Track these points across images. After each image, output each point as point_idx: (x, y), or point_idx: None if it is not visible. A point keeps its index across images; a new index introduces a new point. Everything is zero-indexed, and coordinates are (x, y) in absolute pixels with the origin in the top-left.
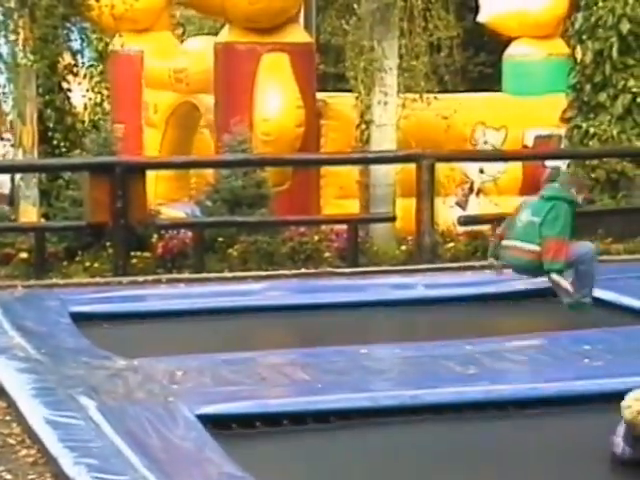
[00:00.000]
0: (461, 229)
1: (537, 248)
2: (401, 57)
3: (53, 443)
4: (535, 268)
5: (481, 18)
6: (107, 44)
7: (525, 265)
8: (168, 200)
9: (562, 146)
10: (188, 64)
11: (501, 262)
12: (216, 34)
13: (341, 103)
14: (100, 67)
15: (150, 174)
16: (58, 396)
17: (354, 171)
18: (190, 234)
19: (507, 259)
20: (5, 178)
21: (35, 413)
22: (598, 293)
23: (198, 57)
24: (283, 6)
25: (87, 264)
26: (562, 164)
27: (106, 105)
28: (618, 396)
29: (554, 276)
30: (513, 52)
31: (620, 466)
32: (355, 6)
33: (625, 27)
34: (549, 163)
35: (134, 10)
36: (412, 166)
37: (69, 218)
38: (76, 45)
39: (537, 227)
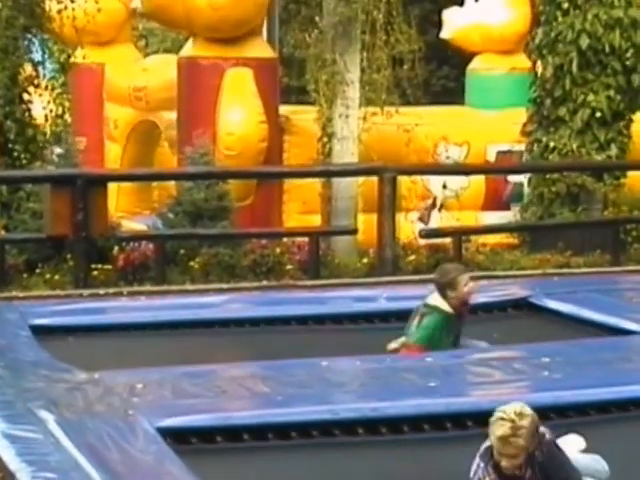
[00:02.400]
0: (423, 242)
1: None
2: (363, 70)
3: (11, 457)
4: None
5: (444, 34)
6: (69, 56)
7: None
8: (130, 213)
9: (523, 160)
10: (148, 82)
11: None
12: (179, 47)
13: (303, 119)
14: (62, 79)
15: (111, 187)
16: (17, 410)
17: (317, 186)
18: (151, 246)
19: None
20: None
21: None
22: (558, 306)
23: (158, 75)
24: (245, 14)
25: (47, 276)
26: (524, 179)
27: (67, 117)
28: (577, 409)
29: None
30: (476, 66)
31: None
32: (317, 19)
33: (584, 42)
34: (512, 178)
35: (96, 23)
36: (374, 180)
37: (29, 230)
38: (37, 56)
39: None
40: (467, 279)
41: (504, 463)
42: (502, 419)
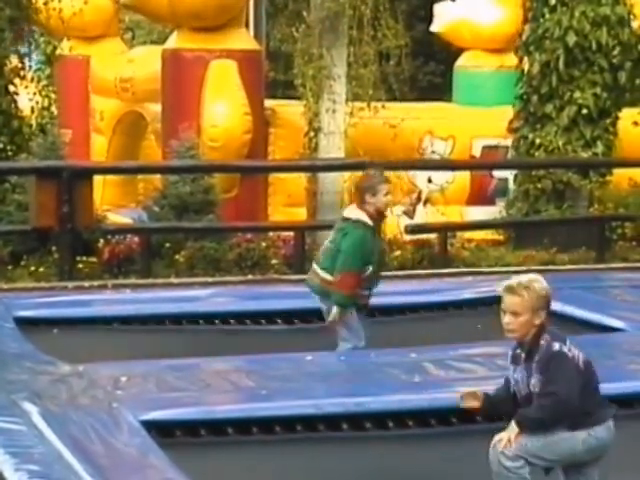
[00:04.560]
0: (408, 237)
1: (326, 276)
2: (350, 65)
3: None
4: (324, 293)
5: (434, 28)
6: (55, 48)
7: (315, 288)
8: (115, 206)
9: (509, 156)
10: (134, 73)
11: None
12: (166, 39)
13: (289, 111)
14: (48, 71)
15: (97, 180)
16: (0, 401)
17: (302, 179)
18: (137, 239)
19: (307, 280)
20: None
21: None
22: None
23: (144, 66)
24: (227, 1)
25: (32, 268)
26: (510, 175)
27: (53, 109)
28: None
29: (333, 311)
30: (464, 63)
31: None
32: (305, 14)
33: (571, 39)
34: (496, 173)
35: (83, 19)
36: (360, 174)
37: (14, 222)
38: (23, 48)
39: (330, 253)
40: (387, 190)
41: (504, 319)
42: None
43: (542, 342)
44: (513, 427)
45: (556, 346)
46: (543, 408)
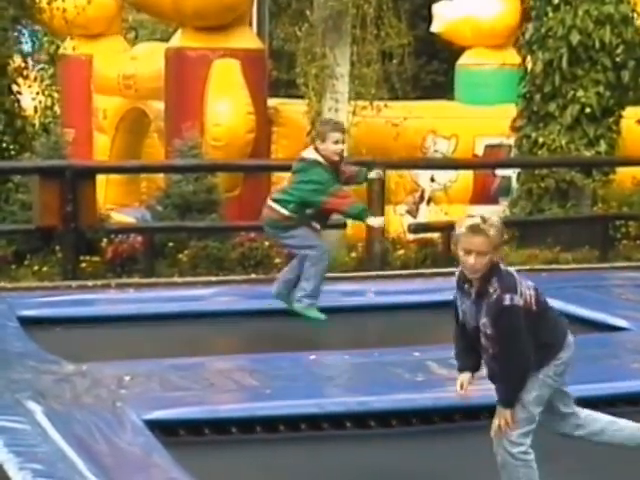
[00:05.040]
0: (411, 236)
1: (280, 209)
2: (353, 64)
3: None
4: (276, 226)
5: (434, 28)
6: (58, 47)
7: (269, 222)
8: (118, 205)
9: (512, 155)
10: (137, 70)
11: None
12: (169, 39)
13: (292, 110)
14: (51, 70)
15: (100, 179)
16: (5, 400)
17: None
18: (140, 239)
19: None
20: None
21: None
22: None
23: (147, 63)
24: (231, 0)
25: (36, 268)
26: (512, 173)
27: (57, 108)
28: None
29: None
30: (466, 61)
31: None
32: (308, 13)
33: (575, 38)
34: (499, 172)
35: (86, 17)
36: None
37: (18, 221)
38: (27, 47)
39: (287, 190)
40: (338, 138)
41: (469, 273)
42: (470, 217)
43: (491, 290)
44: (501, 411)
45: (507, 300)
46: (510, 378)
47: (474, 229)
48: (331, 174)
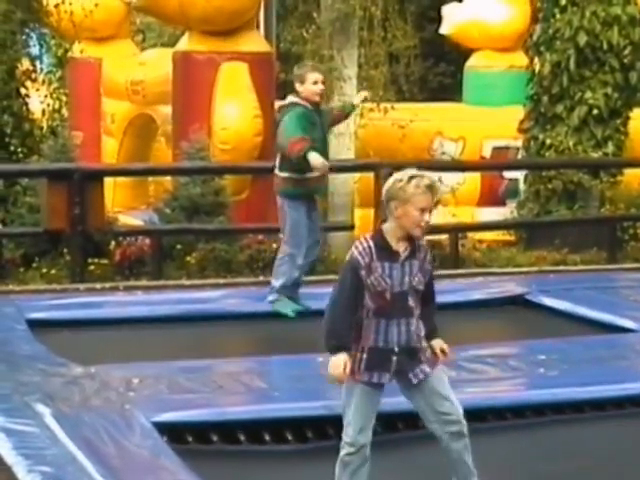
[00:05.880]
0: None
1: (278, 173)
2: (360, 66)
3: (7, 451)
4: (281, 195)
5: (443, 30)
6: (66, 50)
7: (276, 190)
8: (126, 208)
9: (519, 157)
10: (145, 76)
11: None
12: (176, 41)
13: None
14: (59, 73)
15: (108, 182)
16: (13, 403)
17: None
18: (148, 241)
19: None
20: None
21: None
22: (554, 303)
23: (155, 69)
24: (240, 5)
25: (44, 270)
26: (520, 175)
27: (64, 111)
28: (573, 406)
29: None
30: (475, 63)
31: None
32: (315, 15)
33: (582, 39)
34: (507, 174)
35: (93, 20)
36: (370, 175)
37: (26, 224)
38: (35, 51)
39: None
40: (317, 79)
41: (418, 230)
42: (418, 176)
43: (422, 243)
44: (438, 342)
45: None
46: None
47: (432, 188)
48: (310, 114)
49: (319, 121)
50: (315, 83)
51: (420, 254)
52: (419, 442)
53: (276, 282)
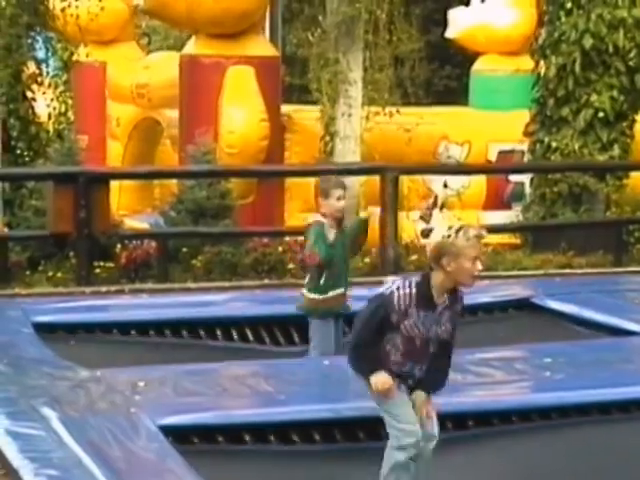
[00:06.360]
0: (424, 242)
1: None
2: (365, 70)
3: (14, 454)
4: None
5: (449, 34)
6: (72, 54)
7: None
8: (132, 211)
9: (525, 160)
10: (150, 79)
11: None
12: (182, 45)
13: (305, 116)
14: (65, 77)
15: (113, 185)
16: (19, 407)
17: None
18: (154, 244)
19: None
20: None
21: None
22: (560, 306)
23: (160, 72)
24: (248, 6)
25: (50, 274)
26: (526, 178)
27: (70, 115)
28: (579, 410)
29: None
30: (480, 67)
31: None
32: (320, 18)
33: (588, 42)
34: (513, 177)
35: (98, 23)
36: (376, 179)
37: (32, 227)
38: (41, 54)
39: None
40: (341, 195)
41: (472, 280)
42: (464, 227)
43: (460, 295)
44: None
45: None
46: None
47: (481, 237)
48: (328, 231)
49: (340, 237)
50: (338, 199)
51: (457, 306)
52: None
53: None
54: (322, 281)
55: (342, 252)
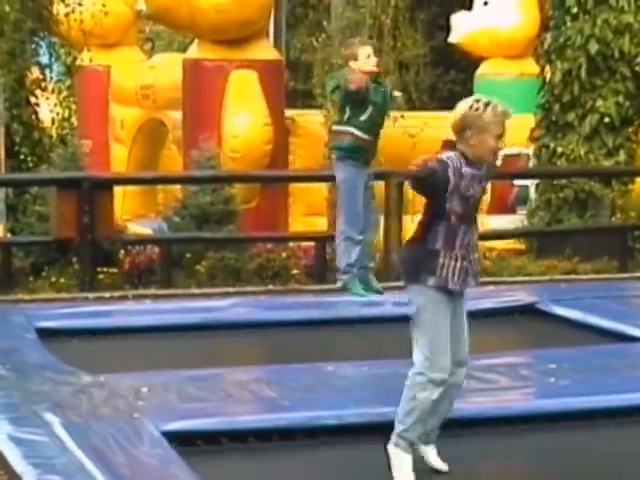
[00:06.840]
0: None
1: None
2: None
3: (17, 460)
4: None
5: (453, 39)
6: (75, 58)
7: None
8: (135, 216)
9: (530, 165)
10: (155, 80)
11: None
12: (185, 49)
13: (309, 121)
14: (68, 82)
15: (117, 190)
16: (22, 412)
17: (323, 189)
18: (157, 250)
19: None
20: None
21: None
22: (565, 312)
23: (165, 73)
24: (250, 16)
25: (53, 279)
26: (531, 183)
27: (74, 120)
28: (584, 415)
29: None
30: (485, 71)
31: None
32: (325, 23)
33: (593, 48)
34: (517, 182)
35: (102, 26)
36: (381, 184)
37: (35, 233)
38: (44, 59)
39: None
40: (369, 52)
41: (492, 158)
42: (492, 102)
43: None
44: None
45: None
46: None
47: (507, 114)
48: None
49: (380, 90)
50: (368, 57)
51: (487, 168)
52: None
53: (340, 264)
54: (363, 117)
55: (381, 101)
